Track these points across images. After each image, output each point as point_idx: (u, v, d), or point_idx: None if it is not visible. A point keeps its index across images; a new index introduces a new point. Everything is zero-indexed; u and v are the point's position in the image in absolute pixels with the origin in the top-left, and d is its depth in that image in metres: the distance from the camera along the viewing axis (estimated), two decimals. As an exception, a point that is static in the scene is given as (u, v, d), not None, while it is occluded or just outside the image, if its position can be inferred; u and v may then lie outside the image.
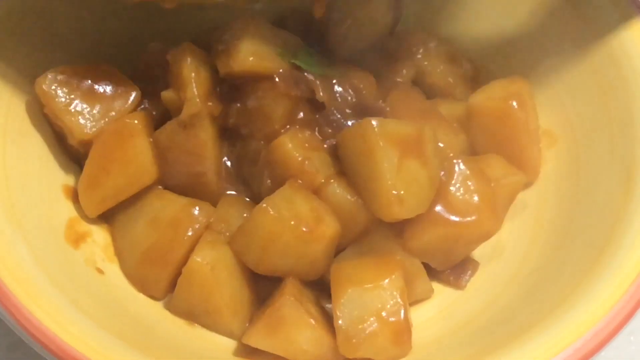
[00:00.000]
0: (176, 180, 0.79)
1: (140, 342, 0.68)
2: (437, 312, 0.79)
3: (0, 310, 0.64)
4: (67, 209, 0.78)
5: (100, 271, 0.76)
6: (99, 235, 0.79)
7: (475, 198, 0.76)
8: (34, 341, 0.64)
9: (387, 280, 0.72)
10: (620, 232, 0.71)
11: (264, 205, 0.73)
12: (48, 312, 0.65)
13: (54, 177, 0.79)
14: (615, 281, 0.68)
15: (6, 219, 0.70)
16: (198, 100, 0.75)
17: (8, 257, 0.67)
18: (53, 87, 0.77)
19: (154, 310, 0.76)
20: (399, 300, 0.72)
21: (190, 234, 0.76)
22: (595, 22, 0.81)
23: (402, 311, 0.72)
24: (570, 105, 0.83)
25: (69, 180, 0.80)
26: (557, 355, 0.64)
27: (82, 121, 0.77)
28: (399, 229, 0.76)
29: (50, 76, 0.77)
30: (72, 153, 0.80)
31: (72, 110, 0.77)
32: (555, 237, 0.78)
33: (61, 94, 0.77)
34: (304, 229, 0.72)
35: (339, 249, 0.77)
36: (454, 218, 0.76)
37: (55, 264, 0.71)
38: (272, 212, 0.72)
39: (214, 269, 0.74)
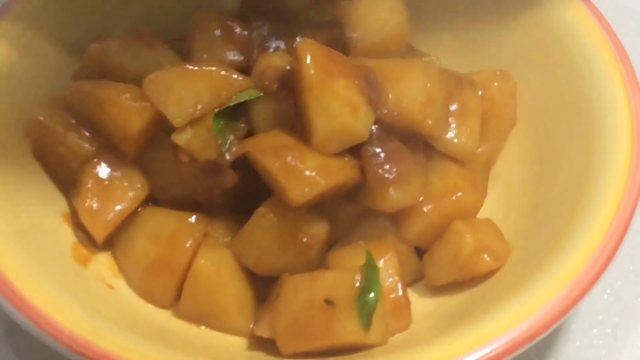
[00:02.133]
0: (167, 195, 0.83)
1: (157, 339, 0.71)
2: (425, 289, 0.83)
3: (23, 320, 0.68)
4: (70, 234, 0.81)
5: (110, 286, 0.79)
6: (102, 256, 0.82)
7: (454, 177, 0.82)
8: (63, 347, 0.67)
9: (382, 260, 0.77)
10: (587, 191, 0.75)
11: (263, 209, 0.77)
12: (72, 320, 0.68)
13: (54, 203, 0.82)
14: (588, 237, 0.72)
15: (18, 242, 0.73)
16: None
17: (25, 274, 0.70)
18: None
19: (164, 316, 0.80)
20: (396, 277, 0.77)
21: (190, 242, 0.79)
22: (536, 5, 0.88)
23: (400, 287, 0.77)
24: (523, 86, 0.89)
25: (65, 207, 0.83)
26: (541, 309, 0.68)
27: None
28: (388, 219, 0.81)
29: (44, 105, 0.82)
30: (63, 180, 0.83)
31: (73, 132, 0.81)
32: (527, 202, 0.83)
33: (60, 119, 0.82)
34: (303, 237, 0.77)
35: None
36: (438, 201, 0.80)
37: (70, 280, 0.74)
38: (271, 216, 0.77)
39: (218, 270, 0.78)
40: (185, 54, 0.89)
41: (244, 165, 0.79)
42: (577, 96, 0.82)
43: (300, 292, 0.73)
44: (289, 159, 0.74)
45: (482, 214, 0.85)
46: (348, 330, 0.71)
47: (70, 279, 0.75)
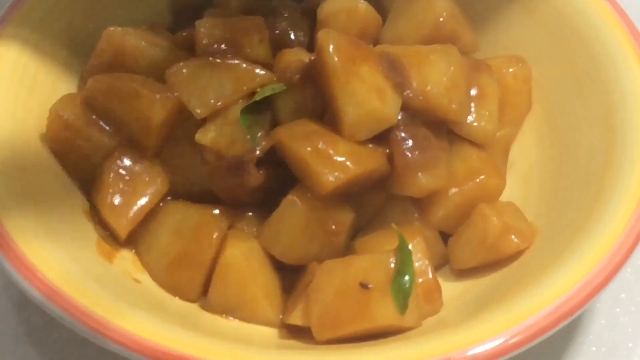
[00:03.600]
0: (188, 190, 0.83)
1: (190, 327, 0.71)
2: (450, 273, 0.84)
3: (59, 313, 0.67)
4: (92, 231, 0.80)
5: (137, 281, 0.79)
6: (125, 252, 0.81)
7: (475, 160, 0.83)
8: (101, 337, 0.66)
9: (410, 245, 0.76)
10: (611, 172, 0.76)
11: (292, 197, 0.77)
12: (109, 310, 0.67)
13: (74, 200, 0.81)
14: (616, 218, 0.73)
15: (48, 239, 0.72)
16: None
17: (59, 269, 0.70)
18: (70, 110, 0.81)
19: (193, 309, 0.79)
20: (426, 261, 0.77)
21: (216, 235, 0.79)
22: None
23: (430, 270, 0.77)
24: (537, 72, 0.90)
25: (85, 203, 0.82)
26: (566, 294, 0.68)
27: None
28: (413, 205, 0.82)
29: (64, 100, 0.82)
30: (82, 176, 0.83)
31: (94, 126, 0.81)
32: (549, 185, 0.84)
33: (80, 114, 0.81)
34: (331, 224, 0.77)
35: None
36: (462, 185, 0.81)
37: (100, 274, 0.74)
38: (300, 204, 0.77)
39: (248, 260, 0.77)
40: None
41: (268, 162, 0.80)
42: (593, 80, 0.84)
43: (335, 277, 0.73)
44: (320, 144, 0.75)
45: (503, 197, 0.85)
46: (385, 313, 0.71)
47: (100, 272, 0.74)
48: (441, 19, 0.85)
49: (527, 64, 0.90)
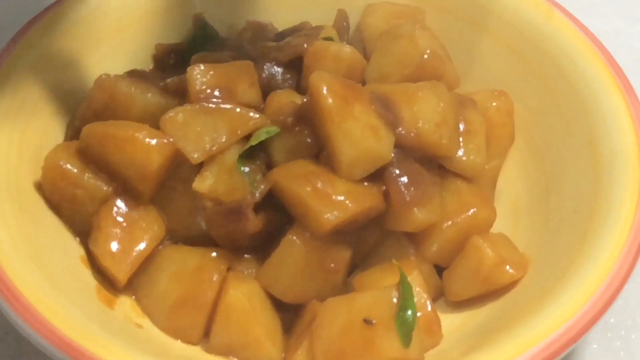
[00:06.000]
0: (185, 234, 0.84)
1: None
2: (446, 305, 0.85)
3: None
4: (91, 278, 0.81)
5: (139, 326, 0.79)
6: (124, 298, 0.82)
7: (466, 193, 0.84)
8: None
9: (408, 279, 0.76)
10: (600, 200, 0.78)
11: (292, 236, 0.78)
12: (122, 358, 0.68)
13: (71, 248, 0.82)
14: (609, 246, 0.74)
15: (52, 288, 0.72)
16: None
17: (66, 317, 0.70)
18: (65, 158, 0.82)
19: (196, 351, 0.79)
20: (424, 294, 0.78)
21: (216, 277, 0.79)
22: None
23: (429, 304, 0.78)
24: (518, 105, 0.93)
25: (81, 251, 0.83)
26: (566, 323, 0.69)
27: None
28: (407, 240, 0.83)
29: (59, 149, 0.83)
30: (78, 224, 0.83)
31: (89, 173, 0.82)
32: (537, 216, 0.86)
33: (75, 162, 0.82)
34: (330, 263, 0.79)
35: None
36: (455, 218, 0.83)
37: (104, 320, 0.74)
38: (299, 243, 0.78)
39: (250, 300, 0.78)
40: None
41: (265, 206, 0.80)
42: (576, 110, 0.86)
43: (339, 314, 0.74)
44: (318, 184, 0.76)
45: (492, 229, 0.87)
46: (390, 347, 0.72)
47: (103, 319, 0.75)
48: (425, 57, 0.86)
49: (509, 97, 0.92)
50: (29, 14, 0.90)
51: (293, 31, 0.96)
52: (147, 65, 0.97)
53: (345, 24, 0.99)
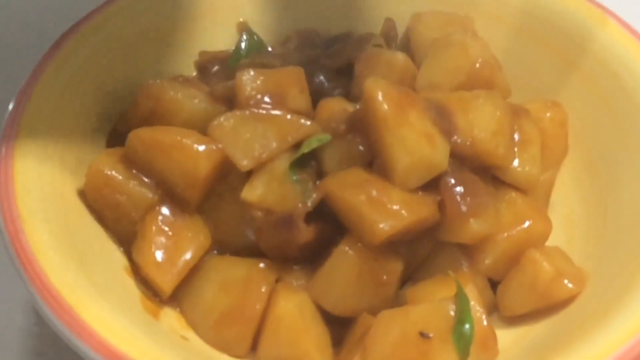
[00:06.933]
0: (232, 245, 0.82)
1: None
2: (500, 320, 0.82)
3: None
4: (134, 288, 0.79)
5: (185, 338, 0.77)
6: (168, 309, 0.79)
7: (521, 205, 0.82)
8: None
9: None
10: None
11: (344, 247, 0.76)
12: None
13: (115, 257, 0.80)
14: None
15: (100, 296, 0.70)
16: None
17: (115, 327, 0.68)
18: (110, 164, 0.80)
19: (243, 366, 0.77)
20: (479, 308, 0.75)
21: (265, 288, 0.77)
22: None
23: (484, 318, 0.75)
24: (573, 116, 0.90)
25: (125, 260, 0.81)
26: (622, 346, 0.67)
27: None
28: (460, 252, 0.81)
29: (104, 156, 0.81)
30: (122, 233, 0.81)
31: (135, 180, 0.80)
32: (593, 229, 0.84)
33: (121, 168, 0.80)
34: (382, 275, 0.76)
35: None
36: (509, 231, 0.80)
37: (150, 331, 0.71)
38: (352, 254, 0.76)
39: (301, 312, 0.76)
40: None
41: (315, 217, 0.78)
42: (632, 119, 0.84)
43: (393, 327, 0.72)
44: (373, 193, 0.74)
45: (547, 242, 0.84)
46: (447, 362, 0.70)
47: (150, 329, 0.72)
48: (477, 65, 0.84)
49: (563, 108, 0.90)
50: (70, 20, 0.89)
51: (340, 39, 0.94)
52: (189, 73, 0.96)
53: (392, 32, 0.97)
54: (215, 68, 0.95)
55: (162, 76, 0.90)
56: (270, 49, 0.97)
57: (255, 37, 0.97)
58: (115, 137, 0.86)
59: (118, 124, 0.87)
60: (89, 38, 0.88)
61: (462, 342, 0.70)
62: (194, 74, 0.96)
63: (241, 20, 0.98)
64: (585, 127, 0.89)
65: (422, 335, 0.71)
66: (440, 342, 0.70)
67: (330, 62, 0.88)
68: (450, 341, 0.70)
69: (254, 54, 0.94)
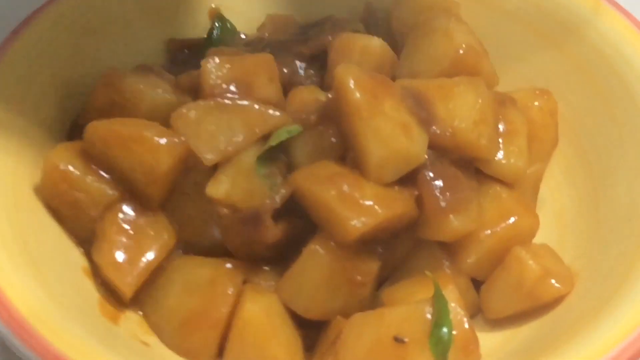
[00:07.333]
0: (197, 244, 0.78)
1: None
2: (484, 323, 0.79)
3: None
4: (93, 290, 0.74)
5: (145, 344, 0.73)
6: (130, 313, 0.75)
7: (506, 200, 0.78)
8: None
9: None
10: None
11: (315, 246, 0.72)
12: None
13: (72, 257, 0.76)
14: None
15: (50, 300, 0.66)
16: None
17: (63, 333, 0.64)
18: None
19: (207, 373, 0.73)
20: (460, 310, 0.71)
21: (231, 290, 0.73)
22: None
23: (466, 321, 0.71)
24: (564, 106, 0.86)
25: (84, 261, 0.76)
26: (625, 339, 0.64)
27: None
28: (441, 251, 0.77)
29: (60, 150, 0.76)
30: (80, 231, 0.77)
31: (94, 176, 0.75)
32: (585, 225, 0.80)
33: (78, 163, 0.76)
34: (356, 275, 0.72)
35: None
36: (494, 227, 0.76)
37: (106, 337, 0.68)
38: (323, 253, 0.71)
39: (269, 315, 0.72)
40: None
41: (284, 213, 0.74)
42: (627, 109, 0.81)
43: (366, 332, 0.68)
44: (344, 187, 0.70)
45: (534, 240, 0.81)
46: (423, 369, 0.66)
47: (106, 335, 0.69)
48: (461, 52, 0.80)
49: (553, 97, 0.86)
50: (32, 5, 0.85)
51: (317, 25, 0.90)
52: (159, 61, 0.92)
53: (372, 17, 0.93)
54: (186, 57, 0.90)
55: (129, 66, 0.86)
56: (243, 36, 0.93)
57: (228, 24, 0.94)
58: (76, 130, 0.81)
59: (80, 116, 0.82)
60: (49, 25, 0.84)
61: (440, 346, 0.66)
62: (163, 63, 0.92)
63: (213, 6, 0.95)
64: (577, 116, 0.85)
65: (397, 339, 0.67)
66: (416, 346, 0.66)
67: (305, 48, 0.84)
68: (427, 346, 0.66)
69: (225, 41, 0.89)
